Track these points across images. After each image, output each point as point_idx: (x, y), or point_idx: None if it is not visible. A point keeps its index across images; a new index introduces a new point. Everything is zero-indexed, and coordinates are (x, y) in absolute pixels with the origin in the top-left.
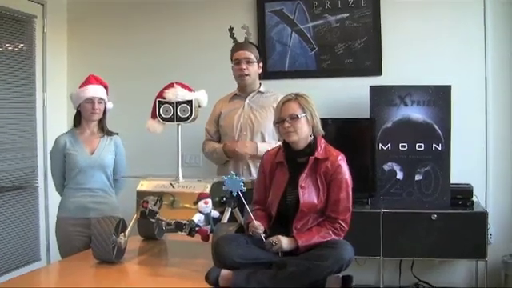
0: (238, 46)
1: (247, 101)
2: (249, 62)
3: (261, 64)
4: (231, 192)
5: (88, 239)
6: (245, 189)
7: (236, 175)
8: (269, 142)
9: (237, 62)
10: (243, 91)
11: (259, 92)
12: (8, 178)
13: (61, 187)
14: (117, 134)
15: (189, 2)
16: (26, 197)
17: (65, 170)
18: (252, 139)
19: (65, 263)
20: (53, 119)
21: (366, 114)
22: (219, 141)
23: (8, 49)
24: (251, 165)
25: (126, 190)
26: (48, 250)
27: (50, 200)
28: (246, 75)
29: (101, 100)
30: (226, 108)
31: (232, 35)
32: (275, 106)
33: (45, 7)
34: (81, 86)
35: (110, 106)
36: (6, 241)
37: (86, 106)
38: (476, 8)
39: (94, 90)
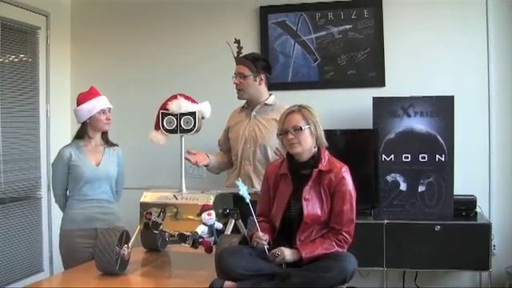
0: (235, 61)
1: (254, 113)
2: (242, 76)
3: (262, 76)
4: (236, 202)
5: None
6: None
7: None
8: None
9: (234, 76)
10: (249, 103)
11: (266, 104)
12: (11, 189)
13: (61, 198)
14: (117, 145)
15: (192, 13)
16: (29, 208)
17: (67, 182)
18: (255, 152)
19: (68, 274)
20: (56, 130)
21: (369, 125)
22: (229, 150)
23: (12, 60)
24: (253, 177)
25: (129, 201)
26: (51, 260)
27: (53, 211)
28: (239, 90)
29: (110, 110)
30: (234, 120)
31: (238, 47)
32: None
33: (48, 19)
34: (86, 98)
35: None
36: (10, 251)
37: (99, 118)
38: (478, 18)
39: (105, 101)
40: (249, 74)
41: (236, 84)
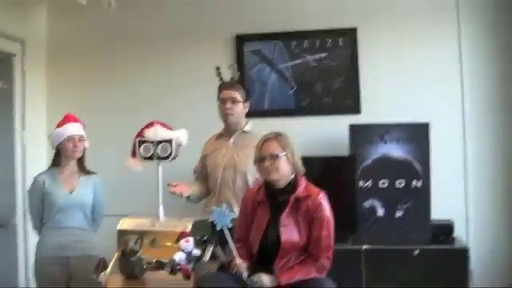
0: (224, 86)
1: (232, 140)
2: (234, 101)
3: (247, 104)
4: (214, 226)
5: (66, 278)
6: (231, 225)
7: (226, 209)
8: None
9: (222, 101)
10: (228, 130)
11: (243, 132)
12: None
13: (38, 225)
14: (95, 173)
15: (169, 41)
16: (4, 236)
17: (43, 209)
18: (235, 179)
19: None
20: (32, 157)
21: (345, 152)
22: (206, 178)
23: None
24: (233, 202)
25: (106, 228)
26: None
27: (29, 239)
28: (231, 114)
29: (81, 138)
30: (211, 148)
31: (218, 74)
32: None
33: (24, 45)
34: (59, 125)
35: (86, 144)
36: None
37: (66, 145)
38: (451, 45)
39: (75, 129)
40: (240, 100)
41: (228, 108)
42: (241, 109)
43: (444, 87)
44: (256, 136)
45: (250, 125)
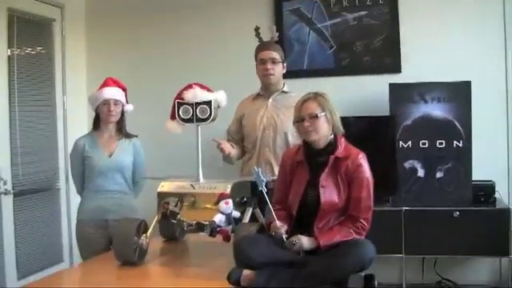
0: (263, 46)
1: (270, 100)
2: (274, 61)
3: (285, 64)
4: (253, 191)
5: (106, 241)
6: (265, 189)
7: (262, 172)
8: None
9: (262, 62)
10: (267, 91)
11: (283, 92)
12: (30, 181)
13: (81, 189)
14: (136, 136)
15: (207, 2)
16: (48, 199)
17: (84, 173)
18: (275, 138)
19: (87, 265)
20: (73, 122)
21: (386, 112)
22: (241, 141)
23: (28, 52)
24: (274, 163)
25: (146, 191)
26: (71, 251)
27: (71, 202)
28: (271, 75)
29: (117, 102)
30: (248, 108)
31: (258, 34)
32: None
33: (63, 10)
34: (98, 89)
35: (129, 108)
36: (30, 243)
37: (102, 108)
38: (495, 2)
39: (111, 92)
40: (279, 60)
41: (269, 69)
42: (280, 69)
43: (486, 45)
44: (296, 96)
45: (287, 86)
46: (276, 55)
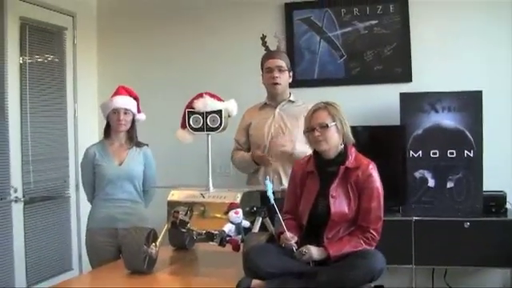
0: (270, 54)
1: (278, 110)
2: (281, 70)
3: (291, 73)
4: (263, 200)
5: (115, 250)
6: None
7: (271, 180)
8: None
9: (269, 70)
10: (273, 100)
11: (289, 101)
12: (40, 189)
13: (92, 197)
14: (147, 145)
15: (216, 11)
16: (58, 207)
17: (95, 181)
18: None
19: (97, 273)
20: (84, 130)
21: (397, 122)
22: (248, 150)
23: (40, 61)
24: (282, 173)
25: (156, 199)
26: (80, 259)
27: (81, 210)
28: (278, 83)
29: (127, 111)
30: (256, 117)
31: (264, 43)
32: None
33: (75, 19)
34: (110, 97)
35: (141, 117)
36: (39, 250)
37: (112, 117)
38: (507, 11)
39: (121, 101)
40: (285, 69)
41: (276, 77)
42: (286, 77)
43: (497, 55)
44: (302, 105)
45: (294, 95)
46: (282, 63)
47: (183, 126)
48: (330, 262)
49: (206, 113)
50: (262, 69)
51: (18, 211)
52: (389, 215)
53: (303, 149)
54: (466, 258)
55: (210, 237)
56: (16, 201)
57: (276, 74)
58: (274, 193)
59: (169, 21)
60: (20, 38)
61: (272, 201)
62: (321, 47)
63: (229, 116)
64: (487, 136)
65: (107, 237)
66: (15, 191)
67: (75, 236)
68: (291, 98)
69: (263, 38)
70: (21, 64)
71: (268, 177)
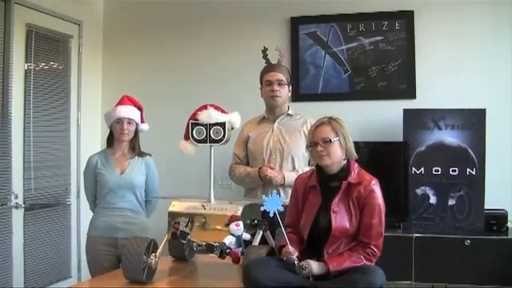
0: (270, 68)
1: (276, 124)
2: (280, 84)
3: (290, 87)
4: (264, 214)
5: (115, 259)
6: (282, 208)
7: (276, 194)
8: (297, 171)
9: (268, 83)
10: (272, 114)
11: (288, 115)
12: (41, 195)
13: (92, 205)
14: (149, 154)
15: (223, 24)
16: (59, 214)
17: (96, 190)
18: (282, 163)
19: (95, 282)
20: (87, 138)
21: (400, 138)
22: (248, 164)
23: (45, 68)
24: (281, 190)
25: (157, 210)
26: (79, 267)
27: (81, 218)
28: (277, 96)
29: (130, 121)
30: (254, 131)
31: (265, 56)
32: (305, 129)
33: (81, 27)
34: (114, 106)
35: (144, 127)
36: (39, 257)
37: (115, 126)
38: (510, 31)
39: (125, 111)
40: (285, 83)
41: (275, 90)
42: (286, 91)
43: (501, 73)
44: (301, 120)
45: (292, 109)
46: (282, 77)
47: (186, 138)
48: (330, 277)
49: (210, 125)
50: (262, 82)
51: (18, 217)
52: (390, 231)
53: (302, 164)
54: (466, 276)
55: (210, 248)
56: (17, 207)
57: (275, 87)
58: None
59: (174, 32)
60: (26, 44)
61: (271, 215)
62: (326, 62)
63: (232, 128)
64: (490, 154)
65: (107, 246)
66: (16, 197)
67: (75, 244)
68: (290, 112)
69: (264, 50)
70: (26, 70)
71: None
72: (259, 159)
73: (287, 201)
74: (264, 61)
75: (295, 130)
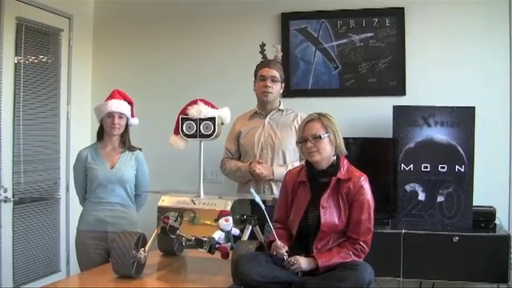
0: (265, 63)
1: (267, 119)
2: (274, 80)
3: (283, 85)
4: (254, 209)
5: (105, 253)
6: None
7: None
8: (287, 165)
9: (262, 79)
10: (263, 109)
11: (279, 110)
12: (31, 189)
13: (82, 199)
14: (140, 149)
15: (213, 20)
16: (48, 208)
17: (86, 184)
18: (273, 158)
19: (84, 276)
20: (76, 132)
21: (389, 134)
22: (239, 159)
23: (34, 61)
24: (273, 184)
25: (147, 204)
26: (68, 261)
27: (71, 212)
28: (269, 93)
29: (121, 115)
30: (245, 126)
31: (263, 51)
32: (296, 124)
33: (71, 21)
34: (105, 100)
35: (134, 122)
36: (27, 251)
37: (106, 120)
38: (501, 30)
39: (116, 105)
40: (279, 80)
41: (268, 86)
42: (278, 88)
43: (492, 72)
44: (291, 114)
45: (283, 104)
46: (276, 74)
47: (176, 132)
48: (319, 273)
49: (200, 119)
50: (256, 76)
51: (7, 211)
52: (378, 227)
53: (293, 158)
54: (454, 273)
55: (199, 243)
56: (6, 201)
57: (269, 83)
58: (265, 201)
59: (165, 27)
60: (16, 38)
61: (263, 207)
62: (316, 58)
63: (222, 123)
64: (478, 152)
65: (97, 240)
66: (5, 191)
67: (64, 238)
68: (281, 107)
69: (262, 45)
70: (15, 64)
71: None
72: (251, 154)
73: (276, 196)
74: (261, 56)
75: (286, 125)
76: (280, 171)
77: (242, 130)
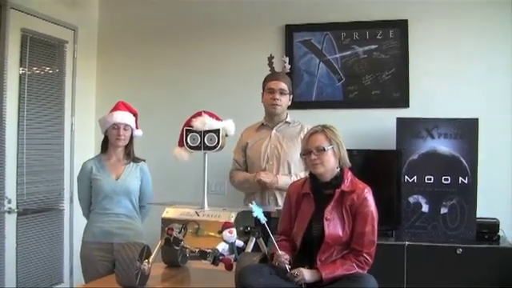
0: (273, 76)
1: (274, 131)
2: (282, 93)
3: (291, 97)
4: (257, 221)
5: (110, 264)
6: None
7: (258, 205)
8: (292, 175)
9: (270, 91)
10: (270, 121)
11: (286, 122)
12: (34, 201)
13: (87, 211)
14: (144, 160)
15: (217, 32)
16: (52, 219)
17: (91, 195)
18: (278, 169)
19: (89, 287)
20: (80, 143)
21: (393, 146)
22: (247, 170)
23: (39, 73)
24: (278, 195)
25: (151, 216)
26: (71, 272)
27: (74, 223)
28: (278, 105)
29: (127, 127)
30: (252, 137)
31: (271, 63)
32: (301, 135)
33: (76, 33)
34: (110, 112)
35: (138, 133)
36: (31, 262)
37: (111, 132)
38: (505, 41)
39: (121, 117)
40: (287, 92)
41: (276, 99)
42: (286, 100)
43: (494, 83)
44: (298, 127)
45: (290, 116)
46: (285, 86)
47: (180, 144)
48: (323, 285)
49: (204, 131)
50: (264, 88)
51: (11, 222)
52: (382, 239)
53: (298, 170)
54: (458, 285)
55: (203, 255)
56: (9, 212)
57: (277, 95)
58: (269, 213)
59: (169, 39)
60: (21, 49)
61: (263, 221)
62: (320, 70)
63: (226, 135)
64: (482, 163)
65: (103, 251)
66: (9, 202)
67: (67, 249)
68: (288, 120)
69: (270, 58)
70: (20, 75)
71: (255, 200)
72: (257, 165)
73: (281, 207)
74: (267, 68)
75: (292, 137)
76: (285, 179)
77: (249, 142)
